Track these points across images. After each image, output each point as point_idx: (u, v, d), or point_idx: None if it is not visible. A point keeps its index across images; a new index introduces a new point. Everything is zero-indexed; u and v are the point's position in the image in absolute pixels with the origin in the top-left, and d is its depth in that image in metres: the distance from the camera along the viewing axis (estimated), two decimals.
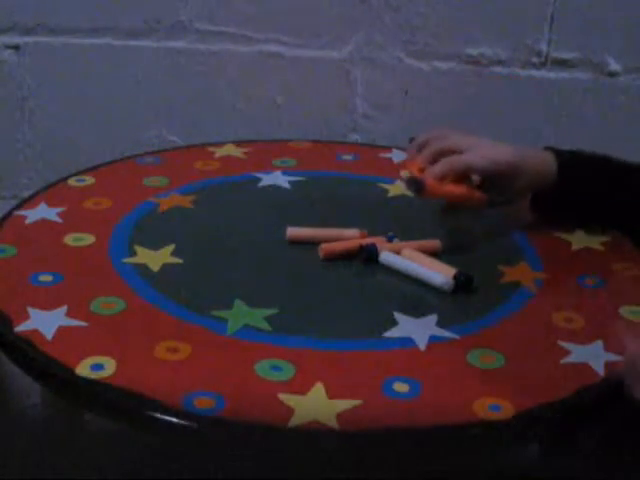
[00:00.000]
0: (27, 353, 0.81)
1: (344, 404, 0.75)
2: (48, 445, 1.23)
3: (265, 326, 0.86)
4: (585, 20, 1.39)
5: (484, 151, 1.01)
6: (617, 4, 1.37)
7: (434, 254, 0.99)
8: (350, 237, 1.01)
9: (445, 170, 0.98)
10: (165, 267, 0.96)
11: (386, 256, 0.97)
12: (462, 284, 0.93)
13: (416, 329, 0.86)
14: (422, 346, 0.84)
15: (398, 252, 0.98)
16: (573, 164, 1.04)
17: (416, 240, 1.01)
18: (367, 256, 0.97)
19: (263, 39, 1.46)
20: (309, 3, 1.44)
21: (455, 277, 0.93)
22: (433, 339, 0.85)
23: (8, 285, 0.92)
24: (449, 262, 0.96)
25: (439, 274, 0.94)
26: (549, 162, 1.03)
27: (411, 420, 0.74)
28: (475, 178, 1.02)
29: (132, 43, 1.47)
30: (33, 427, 1.28)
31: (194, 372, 0.79)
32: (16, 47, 1.47)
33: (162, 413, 0.74)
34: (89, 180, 1.16)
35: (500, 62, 1.44)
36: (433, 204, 1.12)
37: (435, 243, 1.01)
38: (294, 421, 0.73)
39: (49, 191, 1.13)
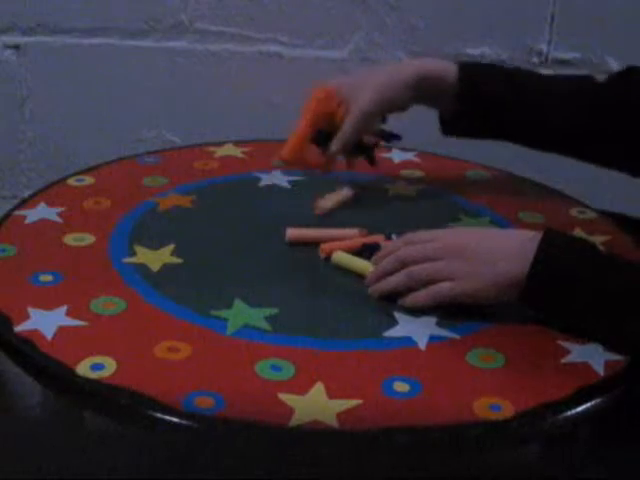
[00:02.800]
0: (27, 353, 0.81)
1: (344, 404, 0.75)
2: (48, 445, 1.23)
3: (265, 326, 0.86)
4: (585, 20, 1.39)
5: None
6: (617, 4, 1.38)
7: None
8: (350, 237, 1.01)
9: None
10: (165, 267, 0.95)
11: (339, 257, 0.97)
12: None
13: (416, 329, 0.86)
14: (422, 346, 0.84)
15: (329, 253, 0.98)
16: (474, 69, 1.07)
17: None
18: (370, 254, 0.96)
19: (263, 39, 1.46)
20: (309, 3, 1.44)
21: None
22: (433, 339, 0.85)
23: (8, 285, 0.91)
24: None
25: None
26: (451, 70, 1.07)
27: (411, 420, 0.74)
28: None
29: (132, 43, 1.47)
30: (33, 427, 1.28)
31: (194, 372, 0.79)
32: (16, 47, 1.47)
33: (162, 413, 0.73)
34: (89, 180, 1.16)
35: (500, 62, 1.43)
36: (434, 204, 1.12)
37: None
38: (294, 421, 0.73)
39: (49, 191, 1.13)
